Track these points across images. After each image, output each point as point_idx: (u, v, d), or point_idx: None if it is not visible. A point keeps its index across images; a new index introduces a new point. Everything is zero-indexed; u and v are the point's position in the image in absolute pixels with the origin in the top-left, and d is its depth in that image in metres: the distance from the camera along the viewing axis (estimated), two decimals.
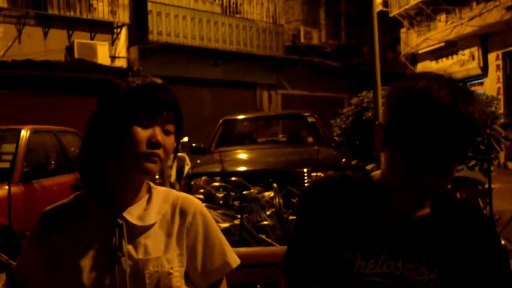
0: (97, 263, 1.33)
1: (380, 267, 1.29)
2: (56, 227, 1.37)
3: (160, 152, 1.32)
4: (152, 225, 1.38)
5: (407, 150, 1.22)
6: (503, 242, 1.76)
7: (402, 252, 1.29)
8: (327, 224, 1.35)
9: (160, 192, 1.46)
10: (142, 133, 1.30)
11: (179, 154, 6.62)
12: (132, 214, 1.37)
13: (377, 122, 1.32)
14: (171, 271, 1.36)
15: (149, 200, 1.42)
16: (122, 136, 1.30)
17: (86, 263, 1.33)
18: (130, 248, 1.35)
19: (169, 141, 1.35)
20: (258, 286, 1.77)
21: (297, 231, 1.44)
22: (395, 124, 1.25)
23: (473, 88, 14.68)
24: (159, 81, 1.37)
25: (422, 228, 1.31)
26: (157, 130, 1.32)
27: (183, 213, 1.43)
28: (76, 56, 12.42)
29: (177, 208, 1.44)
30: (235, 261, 1.48)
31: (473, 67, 16.00)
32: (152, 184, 1.46)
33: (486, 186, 5.21)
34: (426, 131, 1.18)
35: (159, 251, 1.37)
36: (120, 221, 1.35)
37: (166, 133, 1.34)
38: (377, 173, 1.38)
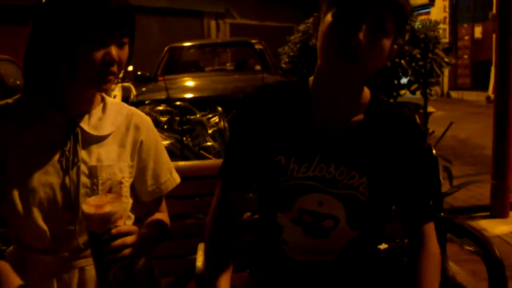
0: (48, 168, 1.31)
1: (313, 170, 1.31)
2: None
3: (115, 68, 1.28)
4: (107, 136, 1.38)
5: (339, 19, 1.19)
6: (434, 152, 1.82)
7: (334, 156, 1.31)
8: (261, 129, 1.35)
9: (113, 103, 1.45)
10: (97, 53, 1.24)
11: (125, 84, 6.34)
12: (87, 123, 1.36)
13: (315, 14, 1.30)
14: (122, 180, 1.38)
15: (103, 110, 1.41)
16: (76, 52, 1.23)
17: (36, 167, 1.30)
18: (84, 154, 1.34)
19: (124, 54, 1.31)
20: (197, 198, 1.78)
21: (232, 138, 1.43)
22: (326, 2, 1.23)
23: (420, 17, 14.79)
24: None
25: (355, 134, 1.32)
26: (113, 47, 1.26)
27: (138, 128, 1.44)
28: None
29: (131, 121, 1.44)
30: (178, 177, 1.55)
31: None
32: (104, 95, 1.44)
33: (428, 110, 5.37)
34: None
35: (112, 160, 1.37)
36: (75, 129, 1.33)
37: (121, 45, 1.29)
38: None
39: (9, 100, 1.35)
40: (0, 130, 1.31)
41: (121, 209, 1.19)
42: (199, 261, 1.50)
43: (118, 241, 1.18)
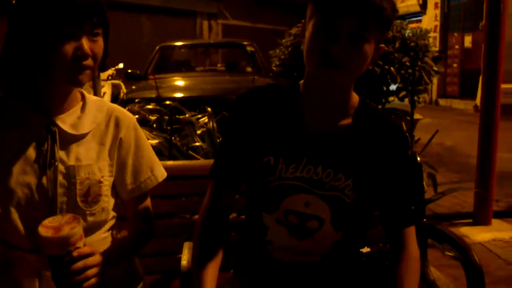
0: (26, 168, 1.30)
1: (301, 171, 1.34)
2: None
3: (89, 61, 1.27)
4: (85, 134, 1.37)
5: (319, 29, 1.23)
6: (419, 159, 1.85)
7: (322, 158, 1.34)
8: (252, 130, 1.38)
9: (94, 101, 1.43)
10: (67, 47, 1.23)
11: (114, 81, 6.32)
12: (65, 122, 1.35)
13: (303, 20, 1.33)
14: (101, 179, 1.37)
15: (83, 109, 1.40)
16: (48, 49, 1.23)
17: (14, 167, 1.30)
18: (62, 154, 1.33)
19: (97, 46, 1.30)
20: (183, 198, 1.80)
21: (224, 137, 1.47)
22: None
23: (411, 25, 14.94)
24: None
25: (342, 137, 1.35)
26: (84, 41, 1.25)
27: (118, 125, 1.43)
28: None
29: (111, 119, 1.43)
30: (161, 175, 1.51)
31: (413, 3, 16.24)
32: (84, 92, 1.43)
33: (415, 116, 5.42)
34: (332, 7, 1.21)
35: (91, 159, 1.37)
36: (53, 128, 1.33)
37: (93, 37, 1.28)
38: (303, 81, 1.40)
39: None
40: None
41: (80, 230, 1.17)
42: (185, 259, 1.52)
43: (80, 263, 1.18)
